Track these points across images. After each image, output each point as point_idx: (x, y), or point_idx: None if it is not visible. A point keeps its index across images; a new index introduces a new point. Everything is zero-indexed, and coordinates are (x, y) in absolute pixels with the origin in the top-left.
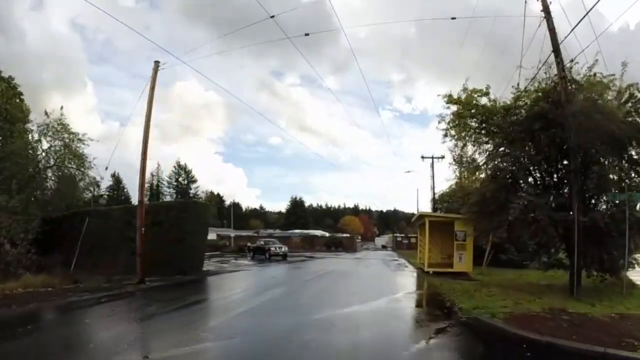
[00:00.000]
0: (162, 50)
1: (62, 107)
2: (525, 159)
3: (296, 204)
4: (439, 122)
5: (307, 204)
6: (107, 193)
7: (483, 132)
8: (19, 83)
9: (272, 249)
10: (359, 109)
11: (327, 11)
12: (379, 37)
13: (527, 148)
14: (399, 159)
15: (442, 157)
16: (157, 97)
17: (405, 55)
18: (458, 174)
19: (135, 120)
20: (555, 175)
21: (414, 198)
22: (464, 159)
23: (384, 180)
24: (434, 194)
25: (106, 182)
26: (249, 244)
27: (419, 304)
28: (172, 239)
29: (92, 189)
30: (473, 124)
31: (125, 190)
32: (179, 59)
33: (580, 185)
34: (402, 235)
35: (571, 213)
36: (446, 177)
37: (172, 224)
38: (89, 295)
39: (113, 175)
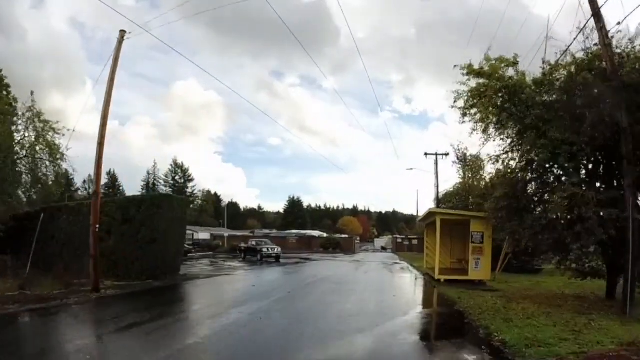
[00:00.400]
0: (162, 48)
1: (32, 92)
2: (567, 143)
3: (294, 204)
4: (455, 101)
5: (305, 204)
6: (103, 191)
7: (512, 109)
8: (12, 77)
9: (264, 250)
10: (358, 110)
11: (326, 11)
12: (379, 38)
13: (567, 129)
14: (399, 160)
15: (446, 155)
16: (158, 96)
17: (405, 56)
18: (462, 173)
19: (136, 119)
20: (602, 164)
21: (414, 200)
22: (468, 157)
23: (383, 182)
24: (437, 192)
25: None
26: (241, 245)
27: (441, 334)
28: (143, 238)
29: (63, 182)
30: (498, 101)
31: (121, 188)
32: (184, 56)
33: (637, 175)
34: (403, 236)
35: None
36: (447, 179)
37: (142, 221)
38: (20, 306)
39: (108, 173)
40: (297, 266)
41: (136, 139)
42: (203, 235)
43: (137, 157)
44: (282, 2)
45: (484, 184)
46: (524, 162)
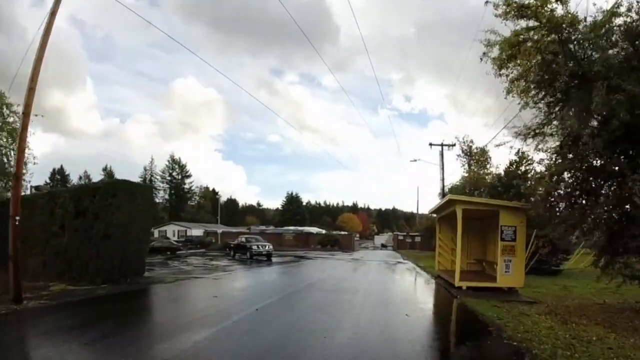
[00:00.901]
0: (162, 47)
1: None
2: None
3: (292, 200)
4: (484, 54)
5: (305, 201)
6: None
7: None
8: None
9: (254, 247)
10: (359, 109)
11: (326, 10)
12: (379, 37)
13: None
14: (399, 158)
15: (453, 145)
16: (158, 94)
17: (405, 55)
18: (467, 167)
19: (136, 117)
20: None
21: (414, 197)
22: (474, 150)
23: (383, 179)
24: (443, 185)
25: (97, 176)
26: (230, 242)
27: None
28: (97, 233)
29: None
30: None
31: None
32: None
33: None
34: (404, 233)
35: None
36: (451, 172)
37: (96, 213)
38: None
39: (105, 169)
40: (289, 266)
41: (137, 137)
42: (197, 231)
43: (138, 154)
44: (283, 1)
45: (490, 178)
46: (595, 125)
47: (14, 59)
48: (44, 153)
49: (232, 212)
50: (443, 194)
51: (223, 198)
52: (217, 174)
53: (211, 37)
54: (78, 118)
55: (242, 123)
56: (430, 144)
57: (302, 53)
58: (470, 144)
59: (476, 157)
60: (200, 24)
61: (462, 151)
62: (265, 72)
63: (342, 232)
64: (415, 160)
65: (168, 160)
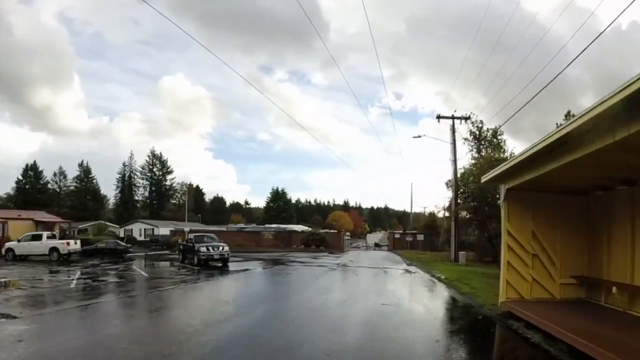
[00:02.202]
0: (153, 44)
1: None
2: None
3: (277, 196)
4: None
5: (294, 199)
6: (75, 184)
7: None
8: None
9: (203, 249)
10: (349, 106)
11: (316, 6)
12: (369, 33)
13: None
14: (390, 156)
15: (467, 118)
16: (147, 91)
17: (396, 52)
18: (476, 151)
19: (124, 115)
20: None
21: (407, 196)
22: (484, 132)
23: (375, 177)
24: (455, 167)
25: (72, 172)
26: (182, 242)
27: None
28: None
29: None
30: None
31: (94, 181)
32: None
33: None
34: (401, 231)
35: None
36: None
37: None
38: None
39: (81, 165)
40: (241, 280)
41: (126, 135)
42: (165, 230)
43: (126, 152)
44: None
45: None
46: None
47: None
48: (32, 152)
49: (219, 210)
50: (456, 179)
51: (209, 196)
52: (208, 173)
53: (201, 33)
54: (65, 116)
55: (232, 121)
56: (439, 117)
57: (293, 49)
58: (480, 125)
59: (487, 140)
60: (189, 19)
61: (471, 134)
62: (254, 69)
63: (330, 230)
64: (419, 136)
65: (148, 156)
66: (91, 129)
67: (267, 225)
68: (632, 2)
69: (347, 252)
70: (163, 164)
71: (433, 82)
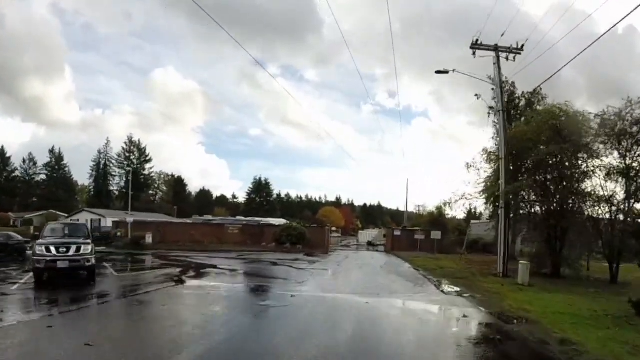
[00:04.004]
0: (146, 36)
1: None
2: None
3: (260, 187)
4: None
5: (287, 195)
6: (45, 171)
7: None
8: None
9: (40, 250)
10: (343, 105)
11: (309, 2)
12: (363, 30)
13: None
14: (383, 154)
15: (519, 51)
16: (139, 85)
17: (390, 50)
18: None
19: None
20: None
21: (401, 194)
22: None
23: (369, 175)
24: (504, 122)
25: (42, 159)
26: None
27: None
28: None
29: None
30: None
31: (67, 169)
32: None
33: None
34: (401, 227)
35: None
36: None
37: None
38: None
39: (52, 152)
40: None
41: (117, 128)
42: (104, 222)
43: (117, 145)
44: None
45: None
46: None
47: None
48: (22, 143)
49: (204, 204)
50: (506, 140)
51: (195, 189)
52: (199, 168)
53: (192, 28)
54: (56, 107)
55: (225, 116)
56: (476, 45)
57: (285, 44)
58: (513, 88)
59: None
60: (181, 13)
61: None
62: (246, 64)
63: (312, 225)
64: (446, 72)
65: (125, 143)
66: (82, 121)
67: (235, 218)
68: None
69: (332, 253)
70: (141, 152)
71: (425, 81)
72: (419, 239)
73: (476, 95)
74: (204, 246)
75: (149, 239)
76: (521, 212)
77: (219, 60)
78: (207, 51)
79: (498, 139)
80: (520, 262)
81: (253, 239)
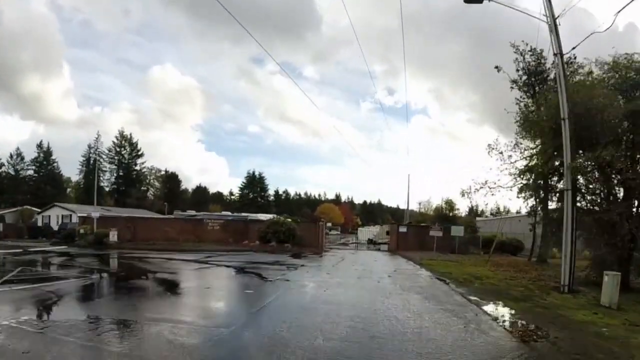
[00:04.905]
0: (145, 33)
1: None
2: None
3: (253, 182)
4: None
5: (287, 193)
6: (33, 166)
7: None
8: None
9: None
10: (341, 102)
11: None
12: (361, 27)
13: None
14: (382, 152)
15: None
16: (139, 82)
17: (388, 47)
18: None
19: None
20: None
21: (400, 192)
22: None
23: (368, 173)
24: (562, 66)
25: (30, 154)
26: None
27: None
28: None
29: None
30: None
31: (55, 164)
32: None
33: None
34: (407, 223)
35: None
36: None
37: None
38: None
39: (40, 147)
40: None
41: (115, 125)
42: (73, 218)
43: (111, 141)
44: None
45: None
46: None
47: None
48: (21, 141)
49: (201, 200)
50: (567, 97)
51: (192, 185)
52: (199, 166)
53: (190, 23)
54: (55, 105)
55: (224, 113)
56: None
57: (284, 40)
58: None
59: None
60: (179, 8)
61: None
62: (245, 60)
63: (302, 219)
64: (478, 2)
65: (116, 137)
66: (80, 119)
67: (224, 213)
68: None
69: (327, 253)
70: (133, 146)
71: (425, 77)
72: (436, 237)
73: (496, 67)
74: (178, 245)
75: (113, 236)
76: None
77: (217, 56)
78: (205, 48)
79: (537, 106)
80: (606, 273)
81: (236, 237)
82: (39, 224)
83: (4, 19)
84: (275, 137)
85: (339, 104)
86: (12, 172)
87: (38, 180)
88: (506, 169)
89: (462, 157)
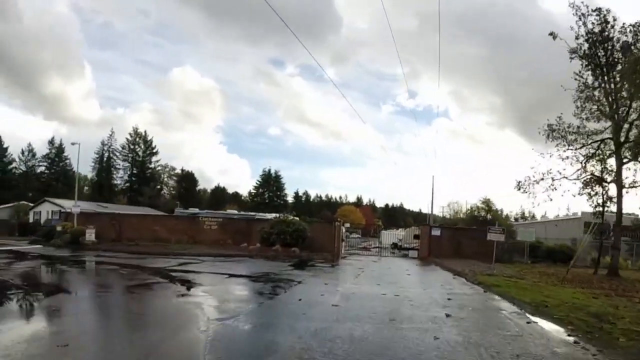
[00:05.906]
0: (161, 35)
1: None
2: None
3: (269, 180)
4: None
5: (308, 195)
6: (44, 163)
7: None
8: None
9: None
10: (362, 104)
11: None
12: (381, 29)
13: None
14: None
15: None
16: (158, 83)
17: (409, 50)
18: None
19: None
20: None
21: (423, 195)
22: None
23: (389, 176)
24: None
25: (42, 150)
26: None
27: None
28: None
29: None
30: None
31: (67, 161)
32: None
33: None
34: (440, 225)
35: None
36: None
37: None
38: None
39: (51, 143)
40: None
41: (138, 126)
42: (60, 212)
43: (94, 131)
44: None
45: None
46: None
47: (9, 41)
48: (44, 140)
49: (219, 200)
50: None
51: (211, 186)
52: (221, 168)
53: (208, 23)
54: (77, 105)
55: (243, 115)
56: None
57: (304, 42)
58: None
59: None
60: (196, 8)
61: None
62: (263, 62)
63: (314, 220)
64: None
65: (130, 134)
66: (102, 119)
67: (229, 211)
68: None
69: (343, 260)
70: (147, 144)
71: (447, 81)
72: (495, 241)
73: (551, 33)
74: (167, 247)
75: (90, 235)
76: None
77: (236, 57)
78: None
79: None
80: None
81: (236, 238)
82: (31, 220)
83: (26, 19)
84: (295, 139)
85: (361, 107)
86: (23, 169)
87: (49, 177)
88: (568, 157)
89: (484, 160)
